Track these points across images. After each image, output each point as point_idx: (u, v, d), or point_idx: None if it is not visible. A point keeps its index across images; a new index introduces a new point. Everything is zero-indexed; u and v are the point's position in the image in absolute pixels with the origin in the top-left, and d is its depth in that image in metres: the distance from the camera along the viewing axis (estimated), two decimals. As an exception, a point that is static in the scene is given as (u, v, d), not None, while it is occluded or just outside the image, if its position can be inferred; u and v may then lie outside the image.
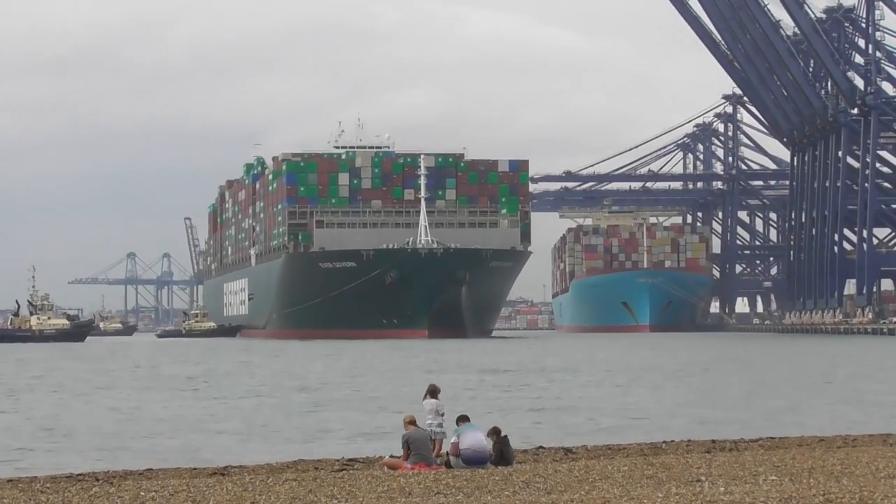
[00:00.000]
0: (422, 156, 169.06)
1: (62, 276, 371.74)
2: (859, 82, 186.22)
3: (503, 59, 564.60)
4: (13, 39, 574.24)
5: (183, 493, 20.39)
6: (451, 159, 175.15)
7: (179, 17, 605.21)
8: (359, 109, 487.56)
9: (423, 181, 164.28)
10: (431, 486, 20.31)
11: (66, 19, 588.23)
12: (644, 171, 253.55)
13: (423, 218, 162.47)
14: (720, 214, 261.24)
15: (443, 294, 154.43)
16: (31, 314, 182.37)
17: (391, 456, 24.81)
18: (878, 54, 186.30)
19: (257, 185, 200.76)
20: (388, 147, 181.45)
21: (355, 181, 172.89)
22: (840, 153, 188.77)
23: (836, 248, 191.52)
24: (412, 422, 24.01)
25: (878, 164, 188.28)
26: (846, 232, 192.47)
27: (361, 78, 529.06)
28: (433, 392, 24.46)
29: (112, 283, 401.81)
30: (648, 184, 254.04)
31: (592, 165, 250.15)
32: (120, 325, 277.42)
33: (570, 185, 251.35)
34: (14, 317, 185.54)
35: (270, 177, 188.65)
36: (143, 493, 20.35)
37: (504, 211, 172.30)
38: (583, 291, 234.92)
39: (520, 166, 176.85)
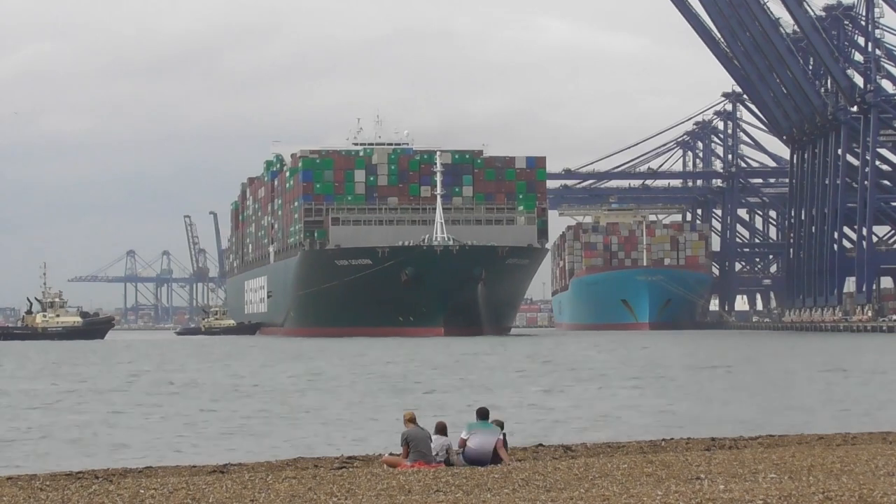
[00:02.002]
0: (438, 152, 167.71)
1: (63, 274, 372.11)
2: (859, 80, 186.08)
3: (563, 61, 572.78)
4: (118, 41, 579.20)
5: (182, 490, 20.37)
6: (467, 156, 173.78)
7: (280, 25, 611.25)
8: (435, 112, 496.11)
9: (438, 178, 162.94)
10: (431, 484, 20.31)
11: (173, 23, 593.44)
12: (644, 168, 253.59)
13: (438, 215, 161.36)
14: (720, 212, 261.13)
15: (459, 292, 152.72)
16: (39, 311, 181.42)
17: (391, 454, 24.79)
18: (877, 52, 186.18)
19: (275, 183, 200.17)
20: (407, 144, 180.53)
21: (371, 178, 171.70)
22: (840, 151, 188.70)
23: (835, 246, 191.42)
24: (412, 419, 23.96)
25: (877, 162, 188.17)
26: (846, 230, 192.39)
27: (435, 81, 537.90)
28: (442, 430, 24.20)
29: (112, 280, 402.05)
30: (648, 181, 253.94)
31: (592, 163, 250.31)
32: None
33: (570, 182, 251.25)
34: (27, 314, 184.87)
35: (288, 174, 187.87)
36: (142, 491, 20.33)
37: (521, 208, 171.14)
38: (582, 289, 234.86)
39: (537, 163, 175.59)
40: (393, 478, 21.30)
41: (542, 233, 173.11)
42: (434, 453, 23.70)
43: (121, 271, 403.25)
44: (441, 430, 24.02)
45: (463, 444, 23.67)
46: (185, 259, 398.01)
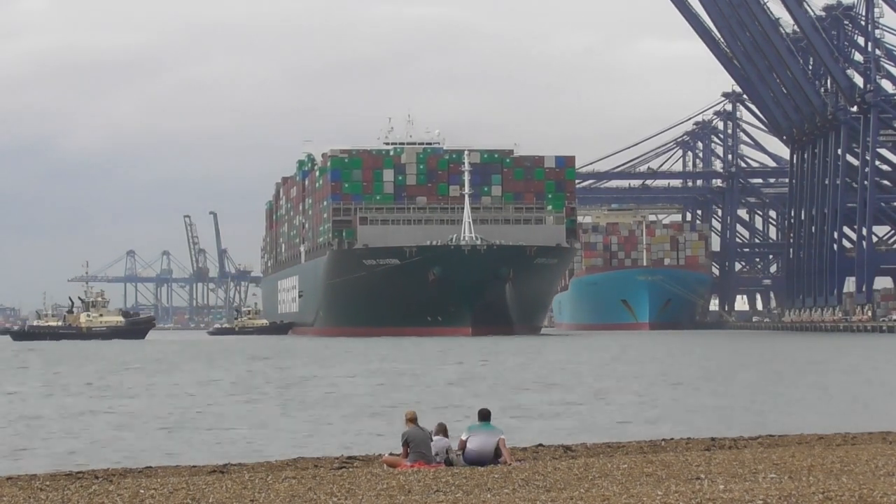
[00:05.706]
0: (466, 151, 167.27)
1: (63, 275, 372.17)
2: (859, 80, 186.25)
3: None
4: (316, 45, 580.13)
5: (182, 491, 20.35)
6: (497, 155, 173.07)
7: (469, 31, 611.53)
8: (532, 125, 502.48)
9: (466, 177, 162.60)
10: (431, 484, 20.28)
11: (362, 30, 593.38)
12: (643, 168, 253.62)
13: (466, 214, 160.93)
14: (720, 212, 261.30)
15: (486, 291, 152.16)
16: (82, 311, 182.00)
17: (391, 454, 24.77)
18: (877, 52, 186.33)
19: (306, 182, 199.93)
20: (438, 143, 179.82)
21: (400, 177, 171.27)
22: (839, 151, 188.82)
23: (835, 246, 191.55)
24: (413, 419, 23.92)
25: (877, 162, 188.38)
26: (846, 230, 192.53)
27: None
28: (442, 430, 24.19)
29: (112, 280, 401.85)
30: (648, 181, 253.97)
31: (592, 163, 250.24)
32: None
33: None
34: (68, 314, 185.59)
35: (318, 173, 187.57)
36: (142, 492, 20.31)
37: (550, 208, 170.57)
38: (582, 289, 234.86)
39: (566, 162, 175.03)
40: (393, 478, 21.27)
41: (571, 232, 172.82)
42: (434, 454, 23.69)
43: (121, 271, 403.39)
44: (442, 430, 24.01)
45: (463, 445, 23.63)
46: (185, 259, 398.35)
